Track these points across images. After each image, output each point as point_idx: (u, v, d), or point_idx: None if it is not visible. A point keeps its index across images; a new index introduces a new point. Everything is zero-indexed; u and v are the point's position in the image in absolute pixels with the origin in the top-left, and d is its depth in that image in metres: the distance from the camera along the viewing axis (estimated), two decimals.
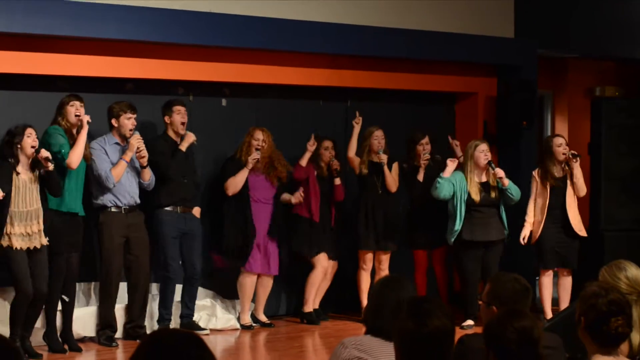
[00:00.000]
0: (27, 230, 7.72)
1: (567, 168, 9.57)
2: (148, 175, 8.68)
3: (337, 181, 9.72)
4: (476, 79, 11.10)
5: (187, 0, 9.05)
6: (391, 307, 4.06)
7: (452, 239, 9.48)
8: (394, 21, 10.29)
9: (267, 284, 9.48)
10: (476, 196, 9.39)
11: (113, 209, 8.52)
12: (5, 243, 7.67)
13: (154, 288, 8.99)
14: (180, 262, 8.99)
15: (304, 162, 9.54)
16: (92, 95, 8.73)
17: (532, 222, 9.57)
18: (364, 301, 9.35)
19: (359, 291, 9.79)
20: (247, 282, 9.36)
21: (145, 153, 8.53)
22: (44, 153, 7.67)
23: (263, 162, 9.30)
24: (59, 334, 8.20)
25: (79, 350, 8.22)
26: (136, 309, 8.63)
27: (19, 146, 7.71)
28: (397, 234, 9.85)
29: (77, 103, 8.19)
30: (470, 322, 9.42)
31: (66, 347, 8.17)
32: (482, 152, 9.46)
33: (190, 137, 8.94)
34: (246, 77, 9.63)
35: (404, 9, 10.46)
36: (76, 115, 8.14)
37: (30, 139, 7.72)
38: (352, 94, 10.53)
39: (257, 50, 9.53)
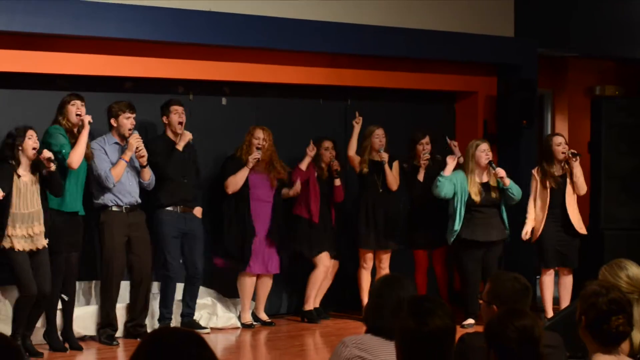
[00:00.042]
0: (28, 232, 7.72)
1: (566, 167, 9.57)
2: (148, 175, 8.68)
3: (337, 182, 9.72)
4: (476, 78, 11.10)
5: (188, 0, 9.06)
6: (391, 306, 4.07)
7: (452, 239, 9.48)
8: (394, 20, 10.29)
9: (267, 282, 9.49)
10: (476, 197, 9.39)
11: (114, 209, 8.52)
12: (7, 245, 7.67)
13: (155, 287, 8.99)
14: (182, 262, 8.99)
15: (303, 166, 9.53)
16: (92, 94, 8.73)
17: (533, 219, 9.57)
18: (365, 300, 9.34)
19: (360, 290, 9.80)
20: (247, 281, 9.36)
21: (144, 152, 8.53)
22: (46, 153, 7.66)
23: (263, 161, 9.30)
24: (59, 333, 8.20)
25: (80, 348, 8.23)
26: (138, 308, 8.64)
27: (20, 148, 7.70)
28: (398, 232, 9.85)
29: (78, 102, 8.18)
30: (471, 320, 9.42)
31: (67, 345, 8.18)
32: (483, 152, 9.45)
33: (186, 136, 8.92)
34: (246, 76, 9.63)
35: (404, 8, 10.47)
36: (77, 115, 8.14)
37: (31, 141, 7.71)
38: (352, 93, 10.53)
39: (257, 49, 9.53)
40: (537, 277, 9.92)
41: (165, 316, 8.86)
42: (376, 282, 4.46)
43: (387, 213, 9.76)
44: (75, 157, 8.03)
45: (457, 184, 9.40)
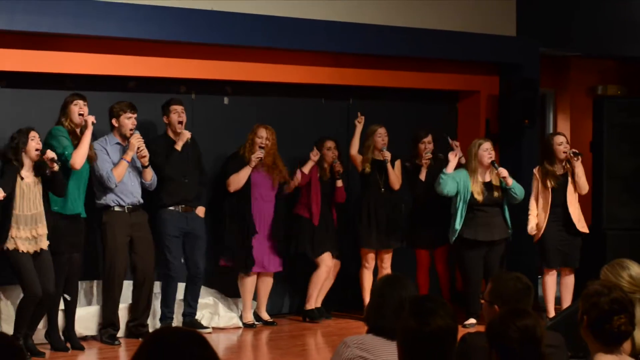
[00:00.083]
0: (32, 234, 7.72)
1: (568, 166, 9.56)
2: (150, 175, 8.68)
3: (339, 183, 9.72)
4: (478, 77, 11.10)
5: None
6: (393, 306, 4.07)
7: (453, 238, 9.48)
8: (396, 19, 10.29)
9: (268, 281, 9.49)
10: (479, 196, 9.38)
11: (116, 209, 8.52)
12: (11, 246, 7.67)
13: (156, 287, 8.99)
14: (183, 261, 8.99)
15: (306, 169, 9.52)
16: (95, 93, 8.73)
17: (536, 215, 9.56)
18: (367, 300, 9.34)
19: (362, 290, 9.79)
20: (248, 280, 9.37)
21: (145, 153, 8.52)
22: (50, 154, 7.65)
23: (266, 161, 9.30)
24: (61, 333, 8.21)
25: (82, 348, 8.23)
26: (140, 308, 8.64)
27: (23, 150, 7.69)
28: (399, 232, 9.84)
29: (81, 102, 8.18)
30: (472, 320, 9.41)
31: (68, 345, 8.18)
32: (486, 151, 9.45)
33: (184, 136, 8.90)
34: (248, 75, 9.63)
35: (407, 7, 10.47)
36: (80, 115, 8.13)
37: (34, 142, 7.70)
38: (354, 92, 10.53)
39: (259, 48, 9.53)
40: (539, 277, 9.91)
41: (166, 315, 8.86)
42: (377, 282, 4.46)
43: (389, 213, 9.76)
44: (78, 158, 8.02)
45: (460, 182, 9.40)
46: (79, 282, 8.42)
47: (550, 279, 9.63)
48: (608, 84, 12.84)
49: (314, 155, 9.53)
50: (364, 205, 9.77)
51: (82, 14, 8.40)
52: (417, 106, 10.94)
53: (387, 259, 9.84)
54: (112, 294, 8.51)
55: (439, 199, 9.54)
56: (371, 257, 9.80)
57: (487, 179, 9.50)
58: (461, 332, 3.83)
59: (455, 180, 9.39)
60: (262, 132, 9.26)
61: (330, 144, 9.67)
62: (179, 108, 8.92)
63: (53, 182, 7.76)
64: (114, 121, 8.57)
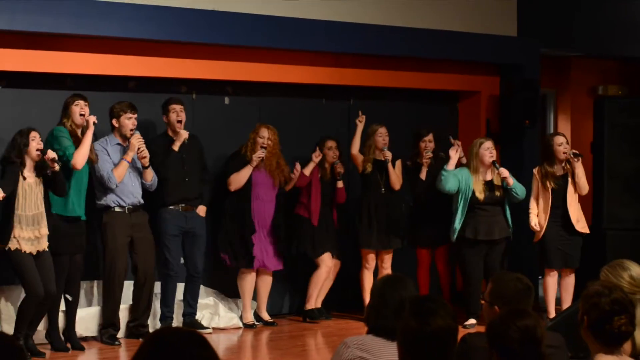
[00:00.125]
0: (34, 234, 7.72)
1: (568, 167, 9.55)
2: (150, 175, 8.67)
3: (340, 184, 9.72)
4: (479, 77, 11.10)
5: None
6: (393, 306, 4.06)
7: (454, 237, 9.48)
8: (397, 20, 10.29)
9: (267, 280, 9.49)
10: (480, 195, 9.39)
11: (117, 209, 8.52)
12: (13, 246, 7.67)
13: (156, 286, 8.98)
14: (182, 261, 8.99)
15: (307, 171, 9.52)
16: (95, 93, 8.73)
17: (537, 213, 9.55)
18: (367, 300, 9.33)
19: (362, 290, 9.79)
20: (247, 280, 9.36)
21: (146, 153, 8.52)
22: (51, 154, 7.65)
23: (268, 160, 9.29)
24: (61, 333, 8.20)
25: (82, 348, 8.23)
26: (141, 308, 8.64)
27: (24, 150, 7.69)
28: (400, 232, 9.83)
29: (82, 102, 8.18)
30: (472, 320, 9.41)
31: (69, 345, 8.18)
32: (487, 150, 9.44)
33: (182, 136, 8.89)
34: (249, 76, 9.63)
35: (407, 7, 10.46)
36: (81, 115, 8.13)
37: (35, 142, 7.70)
38: (355, 92, 10.53)
39: (260, 48, 9.53)
40: (540, 277, 9.91)
41: (166, 315, 8.86)
42: (378, 282, 4.46)
43: (389, 213, 9.75)
44: (80, 158, 8.02)
45: (462, 180, 9.39)
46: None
47: (551, 279, 9.62)
48: (609, 84, 12.84)
49: (316, 156, 9.52)
50: (365, 205, 9.76)
51: (82, 13, 8.40)
52: (418, 106, 10.94)
53: (388, 259, 9.83)
54: (112, 295, 8.51)
55: (439, 197, 9.54)
56: (371, 257, 9.80)
57: (489, 178, 9.50)
58: (461, 332, 3.82)
59: (457, 178, 9.39)
60: (264, 132, 9.26)
61: (331, 143, 9.67)
62: (178, 107, 8.91)
63: (54, 182, 7.76)
64: (114, 121, 8.57)
